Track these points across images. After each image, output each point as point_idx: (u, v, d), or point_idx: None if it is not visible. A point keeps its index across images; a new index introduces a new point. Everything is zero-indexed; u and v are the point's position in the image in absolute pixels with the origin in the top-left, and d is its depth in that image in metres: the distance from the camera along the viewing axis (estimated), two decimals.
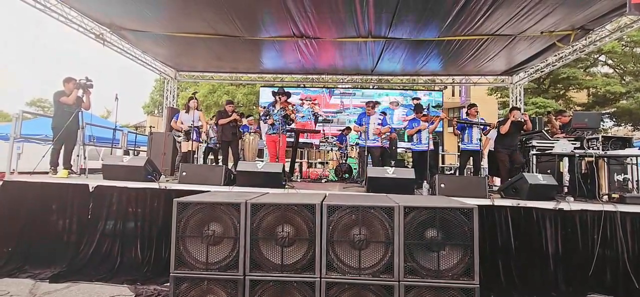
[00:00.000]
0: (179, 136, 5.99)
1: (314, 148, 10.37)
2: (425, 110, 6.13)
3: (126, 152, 7.21)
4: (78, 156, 4.96)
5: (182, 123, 5.93)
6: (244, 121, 7.43)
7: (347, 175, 7.52)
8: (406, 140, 9.85)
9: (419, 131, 5.94)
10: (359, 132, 6.31)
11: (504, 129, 5.44)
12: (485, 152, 6.46)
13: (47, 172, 4.58)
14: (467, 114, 5.98)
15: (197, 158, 5.74)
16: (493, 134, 6.18)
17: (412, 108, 10.43)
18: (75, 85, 4.76)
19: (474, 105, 6.00)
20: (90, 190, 3.85)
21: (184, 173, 4.16)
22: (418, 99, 10.51)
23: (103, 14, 6.57)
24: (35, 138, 7.47)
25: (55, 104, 4.72)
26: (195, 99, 5.87)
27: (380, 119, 6.00)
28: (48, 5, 6.17)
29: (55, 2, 6.19)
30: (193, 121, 5.57)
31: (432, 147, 5.56)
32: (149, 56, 8.98)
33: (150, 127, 8.44)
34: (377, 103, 6.32)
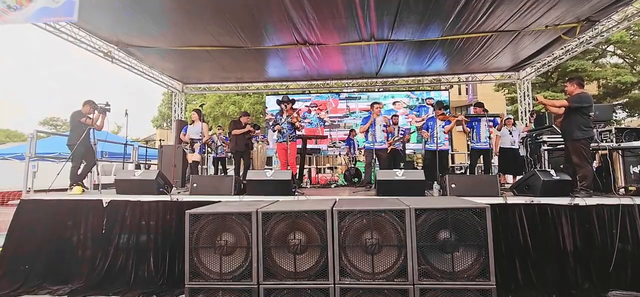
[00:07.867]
0: (187, 147, 6.08)
1: (322, 153, 10.37)
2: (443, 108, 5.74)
3: (138, 166, 7.31)
4: (91, 171, 5.05)
5: (189, 135, 6.01)
6: (258, 133, 7.40)
7: (356, 179, 7.50)
8: (415, 140, 9.86)
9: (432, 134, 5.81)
10: (365, 134, 6.14)
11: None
12: (497, 150, 6.38)
13: (64, 190, 4.67)
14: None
15: (207, 168, 5.78)
16: (504, 130, 6.11)
17: (425, 108, 10.43)
18: (93, 108, 4.93)
19: (480, 104, 5.94)
20: (104, 205, 3.91)
21: (195, 184, 4.19)
22: (431, 99, 10.46)
23: (111, 32, 6.73)
24: (49, 156, 7.64)
25: (74, 123, 4.83)
26: (198, 111, 5.96)
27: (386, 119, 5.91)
28: (58, 28, 6.35)
29: (65, 24, 6.36)
30: (201, 134, 5.65)
31: (447, 147, 5.45)
32: (156, 71, 9.15)
33: (160, 140, 8.55)
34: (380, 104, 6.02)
